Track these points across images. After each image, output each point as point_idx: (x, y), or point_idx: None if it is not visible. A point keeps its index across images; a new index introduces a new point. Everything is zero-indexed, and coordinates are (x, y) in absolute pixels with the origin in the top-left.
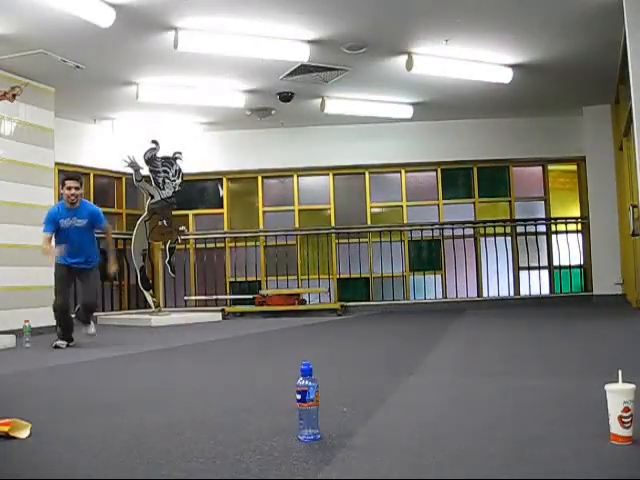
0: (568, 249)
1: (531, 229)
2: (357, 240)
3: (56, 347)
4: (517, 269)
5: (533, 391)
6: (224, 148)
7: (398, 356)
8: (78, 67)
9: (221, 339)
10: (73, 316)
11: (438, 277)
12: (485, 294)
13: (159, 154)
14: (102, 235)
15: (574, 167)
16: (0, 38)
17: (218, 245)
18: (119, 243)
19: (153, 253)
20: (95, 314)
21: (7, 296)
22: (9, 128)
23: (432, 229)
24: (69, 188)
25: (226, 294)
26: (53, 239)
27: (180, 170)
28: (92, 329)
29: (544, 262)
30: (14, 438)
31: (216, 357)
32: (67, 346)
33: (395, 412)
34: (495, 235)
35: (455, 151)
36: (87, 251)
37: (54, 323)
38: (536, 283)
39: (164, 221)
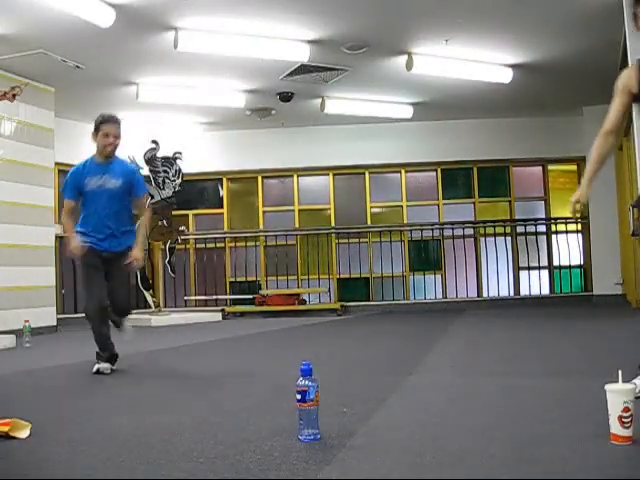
0: (568, 249)
1: (531, 229)
2: (357, 240)
3: (98, 372)
4: (517, 269)
5: (533, 391)
6: (224, 148)
7: (398, 356)
8: (78, 67)
9: (221, 339)
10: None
11: (438, 277)
12: (485, 294)
13: (159, 154)
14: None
15: (574, 167)
16: (0, 38)
17: (218, 245)
18: None
19: (153, 253)
20: None
21: (7, 296)
22: (9, 128)
23: (432, 229)
24: (106, 135)
25: (226, 294)
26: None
27: (180, 170)
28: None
29: (544, 262)
30: (14, 438)
31: (216, 357)
32: (112, 370)
33: (395, 412)
34: (495, 235)
35: (455, 151)
36: (121, 227)
37: (54, 323)
38: (536, 283)
39: (164, 221)
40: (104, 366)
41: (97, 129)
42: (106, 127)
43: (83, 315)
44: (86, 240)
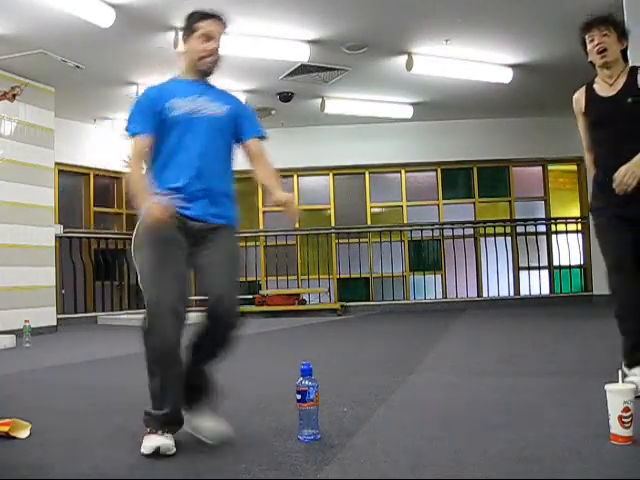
0: (568, 249)
1: (531, 229)
2: (357, 240)
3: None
4: (517, 269)
5: (533, 391)
6: None
7: (398, 356)
8: (78, 67)
9: None
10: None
11: (438, 277)
12: (485, 294)
13: None
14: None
15: (574, 167)
16: (0, 38)
17: None
18: (118, 243)
19: None
20: (96, 314)
21: (7, 296)
22: (9, 128)
23: (432, 229)
24: (207, 37)
25: None
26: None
27: None
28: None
29: (544, 262)
30: (14, 438)
31: None
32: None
33: (395, 412)
34: (495, 235)
35: (455, 151)
36: (221, 182)
37: (54, 323)
38: (536, 283)
39: None
40: (164, 444)
41: (191, 29)
42: (207, 25)
43: (143, 329)
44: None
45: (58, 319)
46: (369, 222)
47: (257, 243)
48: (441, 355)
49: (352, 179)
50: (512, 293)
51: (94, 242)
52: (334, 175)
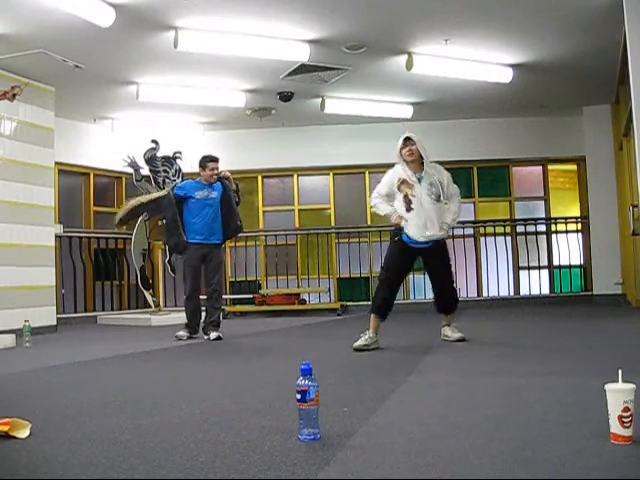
0: (568, 249)
1: (531, 229)
2: (357, 240)
3: None
4: (517, 269)
5: (533, 391)
6: (224, 148)
7: (398, 356)
8: (78, 67)
9: None
10: None
11: None
12: (485, 294)
13: (159, 154)
14: None
15: (574, 167)
16: (0, 38)
17: None
18: (118, 243)
19: (153, 253)
20: (96, 314)
21: (7, 296)
22: (9, 128)
23: None
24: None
25: (226, 294)
26: None
27: (180, 170)
28: None
29: (544, 262)
30: (14, 438)
31: (216, 357)
32: None
33: (395, 412)
34: (495, 235)
35: (455, 151)
36: None
37: (54, 323)
38: (536, 283)
39: (164, 221)
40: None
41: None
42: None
43: None
44: None
45: (58, 319)
46: (369, 222)
47: (257, 243)
48: (441, 355)
49: (352, 179)
50: (512, 293)
51: (94, 242)
52: (334, 175)
